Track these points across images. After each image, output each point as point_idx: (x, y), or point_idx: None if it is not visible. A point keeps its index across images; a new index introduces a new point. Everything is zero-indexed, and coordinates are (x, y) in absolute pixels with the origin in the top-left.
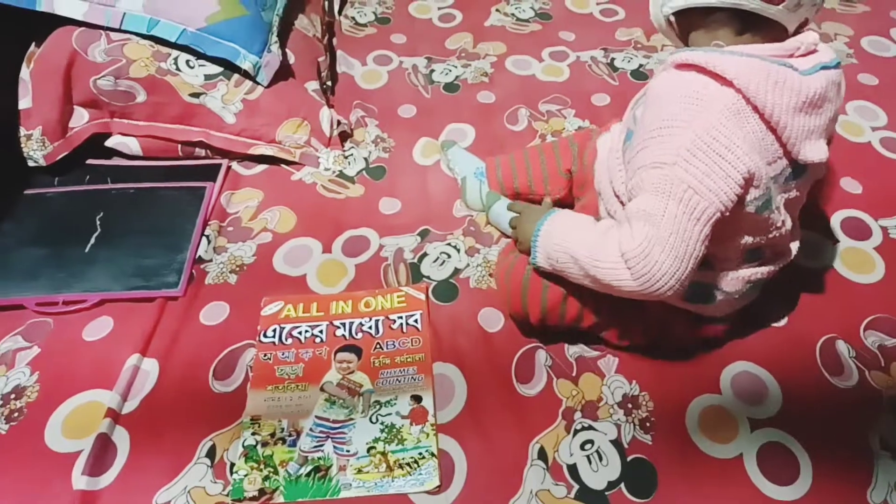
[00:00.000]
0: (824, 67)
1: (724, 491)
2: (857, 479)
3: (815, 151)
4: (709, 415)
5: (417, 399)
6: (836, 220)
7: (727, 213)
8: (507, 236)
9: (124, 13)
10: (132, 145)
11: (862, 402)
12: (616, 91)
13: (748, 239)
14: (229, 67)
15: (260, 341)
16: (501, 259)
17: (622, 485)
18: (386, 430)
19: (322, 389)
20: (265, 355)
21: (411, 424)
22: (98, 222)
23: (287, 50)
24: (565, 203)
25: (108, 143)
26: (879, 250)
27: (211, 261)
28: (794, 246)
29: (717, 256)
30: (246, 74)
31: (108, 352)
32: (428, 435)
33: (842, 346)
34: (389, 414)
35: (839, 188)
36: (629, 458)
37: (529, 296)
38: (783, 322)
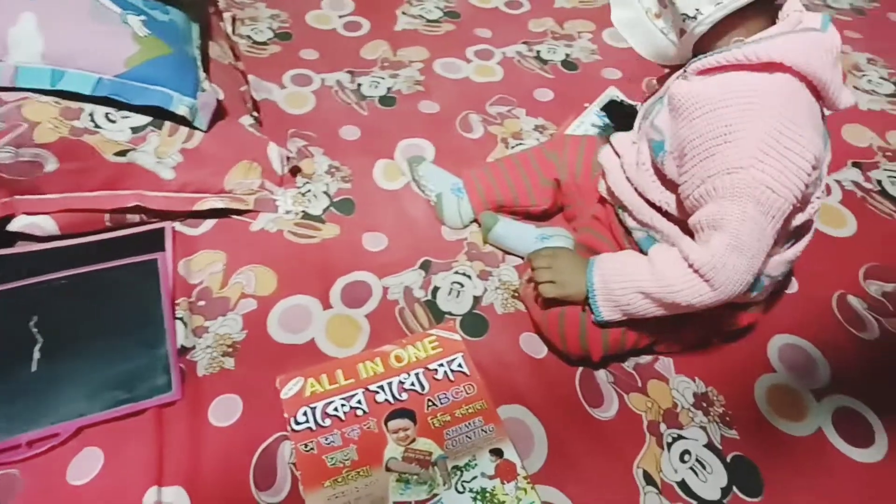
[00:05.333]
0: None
1: (821, 468)
2: None
3: (847, 96)
4: (775, 394)
5: (498, 453)
6: None
7: (798, 205)
8: (512, 254)
9: (17, 67)
10: (45, 225)
11: (892, 348)
12: (554, 84)
13: (799, 218)
14: (159, 115)
15: (293, 430)
16: (533, 300)
17: (734, 488)
18: (478, 496)
19: (388, 469)
20: (306, 446)
21: (503, 483)
22: (35, 330)
23: (213, 85)
24: (550, 212)
25: (12, 226)
26: (844, 204)
27: (194, 347)
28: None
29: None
30: (182, 120)
31: (109, 492)
32: (526, 490)
33: (853, 301)
34: (475, 477)
35: None
36: (728, 459)
37: (589, 339)
38: (794, 288)
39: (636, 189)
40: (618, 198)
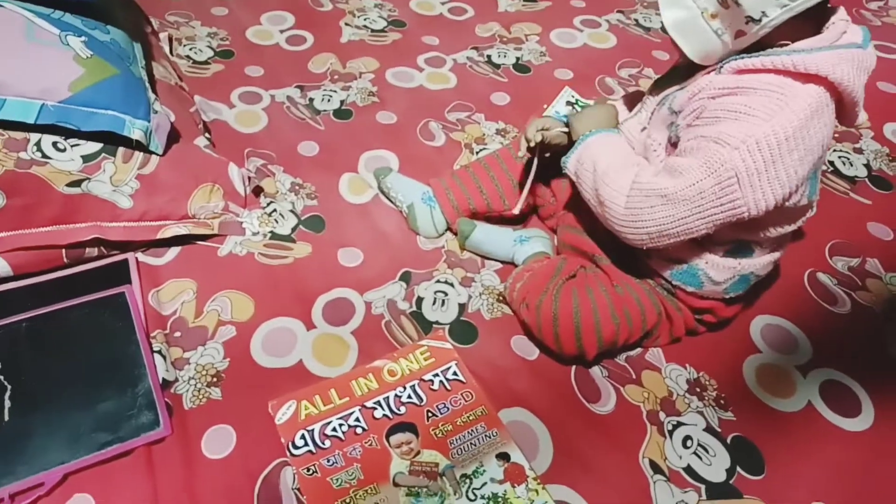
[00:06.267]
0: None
1: (815, 440)
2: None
3: (862, 114)
4: (763, 374)
5: (505, 457)
6: None
7: (748, 217)
8: (491, 259)
9: None
10: None
11: (865, 320)
12: (508, 87)
13: (787, 227)
14: (110, 141)
15: (292, 455)
16: (528, 305)
17: (738, 468)
18: (490, 502)
19: (396, 484)
20: (308, 470)
21: (513, 486)
22: (1, 377)
23: (163, 106)
24: (525, 214)
25: None
26: None
27: (177, 380)
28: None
29: (757, 244)
30: (137, 145)
31: None
32: (538, 491)
33: (823, 277)
34: (485, 484)
35: None
36: (728, 440)
37: (584, 339)
38: None
39: None
40: None
